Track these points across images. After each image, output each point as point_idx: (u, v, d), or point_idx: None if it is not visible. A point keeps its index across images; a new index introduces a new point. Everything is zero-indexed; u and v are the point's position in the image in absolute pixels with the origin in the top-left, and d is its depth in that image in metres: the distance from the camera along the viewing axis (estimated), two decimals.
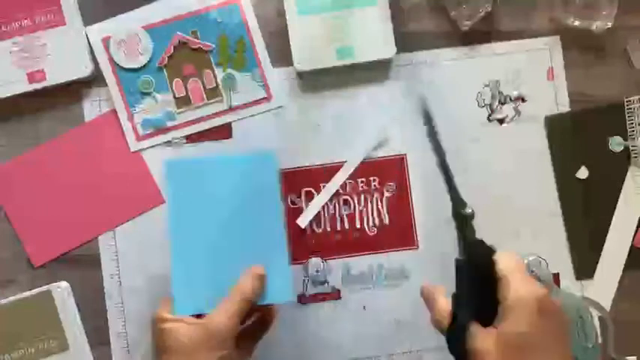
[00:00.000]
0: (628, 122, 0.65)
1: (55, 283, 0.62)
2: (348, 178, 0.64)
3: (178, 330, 0.50)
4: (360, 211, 0.64)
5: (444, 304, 0.47)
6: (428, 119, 0.52)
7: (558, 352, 0.43)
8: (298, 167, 0.64)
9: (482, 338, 0.44)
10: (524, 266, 0.46)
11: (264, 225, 0.55)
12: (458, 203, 0.48)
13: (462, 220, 0.48)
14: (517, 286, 0.44)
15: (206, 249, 0.54)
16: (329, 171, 0.64)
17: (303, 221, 0.63)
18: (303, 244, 0.64)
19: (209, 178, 0.55)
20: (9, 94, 0.62)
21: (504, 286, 0.44)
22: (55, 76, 0.62)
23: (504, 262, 0.45)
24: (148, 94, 0.64)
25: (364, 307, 0.64)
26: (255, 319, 0.57)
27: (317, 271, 0.64)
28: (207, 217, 0.55)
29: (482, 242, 0.47)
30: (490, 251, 0.46)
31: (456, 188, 0.49)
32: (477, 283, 0.45)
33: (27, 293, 0.62)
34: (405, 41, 0.65)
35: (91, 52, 0.63)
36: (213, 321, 0.50)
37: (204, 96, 0.64)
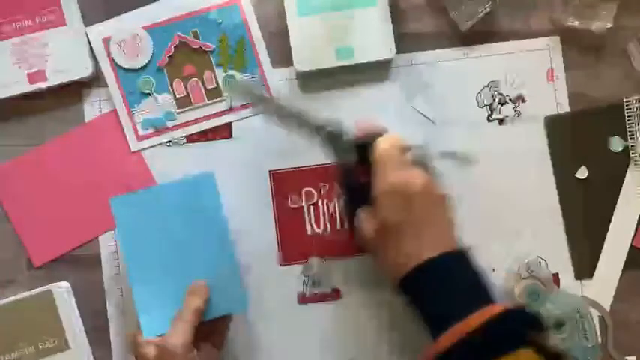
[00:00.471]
0: (628, 122, 0.65)
1: (55, 283, 0.62)
2: None
3: (148, 355, 0.53)
4: None
5: None
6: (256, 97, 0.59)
7: (435, 228, 0.51)
8: (298, 167, 0.65)
9: (365, 223, 0.53)
10: (400, 149, 0.52)
11: (212, 242, 0.58)
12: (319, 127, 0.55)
13: (332, 138, 0.55)
14: (382, 175, 0.51)
15: (162, 271, 0.57)
16: (329, 171, 0.64)
17: None
18: (303, 244, 0.64)
19: (154, 206, 0.58)
20: (9, 94, 0.62)
21: (374, 175, 0.51)
22: (55, 77, 0.62)
23: (379, 149, 0.52)
24: (149, 94, 0.64)
25: (364, 307, 0.64)
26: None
27: (317, 271, 0.64)
28: (159, 242, 0.58)
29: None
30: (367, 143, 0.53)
31: (308, 121, 0.55)
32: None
33: (27, 293, 0.62)
34: (405, 42, 0.65)
35: (92, 52, 0.63)
36: (169, 342, 0.53)
37: (205, 96, 0.64)
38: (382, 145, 0.53)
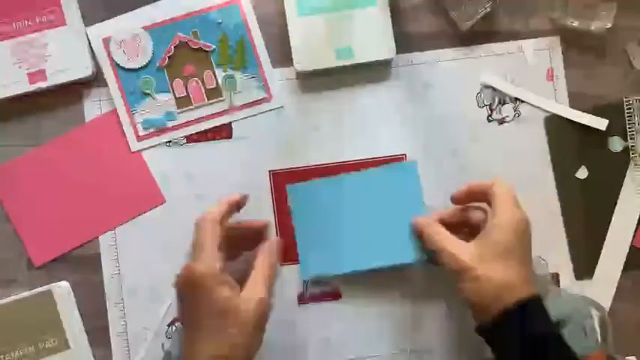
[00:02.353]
0: (628, 122, 0.65)
1: (55, 283, 0.62)
2: None
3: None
4: None
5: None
6: None
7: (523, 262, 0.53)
8: (298, 167, 0.64)
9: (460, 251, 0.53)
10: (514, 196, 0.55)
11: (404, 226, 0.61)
12: None
13: None
14: (506, 207, 0.54)
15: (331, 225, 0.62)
16: (329, 171, 0.64)
17: None
18: None
19: (334, 193, 0.62)
20: (9, 94, 0.62)
21: (496, 206, 0.54)
22: (55, 77, 0.62)
23: (499, 187, 0.55)
24: (149, 94, 0.64)
25: (364, 307, 0.64)
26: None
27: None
28: (334, 227, 0.62)
29: None
30: None
31: None
32: None
33: (27, 293, 0.62)
34: (405, 42, 0.65)
35: (92, 52, 0.63)
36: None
37: (205, 96, 0.64)
38: (501, 184, 0.56)
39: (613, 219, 0.65)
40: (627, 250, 0.65)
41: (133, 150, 0.64)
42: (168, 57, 0.64)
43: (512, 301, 0.50)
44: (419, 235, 0.58)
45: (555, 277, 0.65)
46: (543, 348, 0.50)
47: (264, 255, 0.56)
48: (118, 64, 0.63)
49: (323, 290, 0.64)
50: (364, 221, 0.62)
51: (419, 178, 0.61)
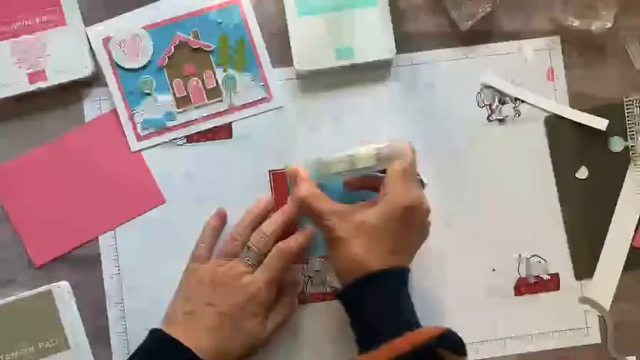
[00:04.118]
0: (628, 122, 0.65)
1: (55, 283, 0.62)
2: None
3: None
4: None
5: (308, 186, 0.57)
6: None
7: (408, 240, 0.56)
8: None
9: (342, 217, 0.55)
10: (413, 170, 0.56)
11: None
12: None
13: None
14: (399, 185, 0.54)
15: None
16: None
17: None
18: None
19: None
20: (9, 94, 0.62)
21: (389, 183, 0.54)
22: (55, 77, 0.62)
23: (400, 164, 0.55)
24: (149, 94, 0.64)
25: None
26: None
27: (317, 271, 0.64)
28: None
29: None
30: None
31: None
32: None
33: (27, 293, 0.62)
34: (405, 42, 0.65)
35: (92, 52, 0.63)
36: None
37: (205, 96, 0.64)
38: (403, 161, 0.56)
39: (613, 219, 0.65)
40: (627, 250, 0.65)
41: (133, 150, 0.64)
42: (168, 57, 0.64)
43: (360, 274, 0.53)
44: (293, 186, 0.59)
45: (555, 277, 0.65)
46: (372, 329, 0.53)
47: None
48: (118, 64, 0.63)
49: (323, 290, 0.64)
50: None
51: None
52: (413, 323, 0.53)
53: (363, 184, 0.60)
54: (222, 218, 0.63)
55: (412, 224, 0.55)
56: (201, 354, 0.54)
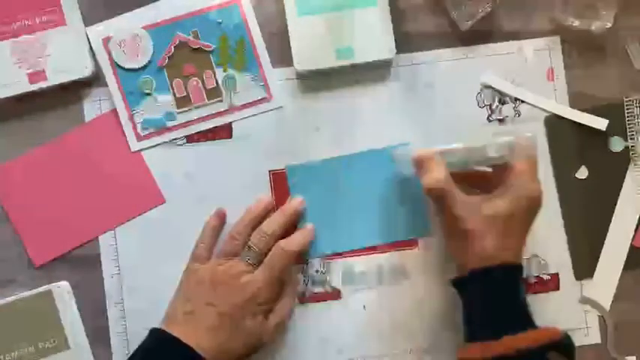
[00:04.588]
0: (628, 122, 0.65)
1: (55, 283, 0.62)
2: None
3: None
4: None
5: (443, 171, 0.55)
6: None
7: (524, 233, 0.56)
8: None
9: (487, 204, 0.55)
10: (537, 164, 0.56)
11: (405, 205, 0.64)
12: None
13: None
14: (529, 178, 0.55)
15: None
16: None
17: None
18: None
19: (333, 174, 0.64)
20: (9, 94, 0.62)
21: (516, 174, 0.54)
22: (55, 77, 0.62)
23: (525, 156, 0.55)
24: (149, 94, 0.64)
25: (364, 307, 0.64)
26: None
27: (317, 271, 0.64)
28: (334, 207, 0.64)
29: None
30: None
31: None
32: None
33: (27, 293, 0.62)
34: (405, 42, 0.65)
35: (92, 52, 0.63)
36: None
37: (205, 96, 0.64)
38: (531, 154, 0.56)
39: (613, 219, 0.65)
40: (627, 250, 0.65)
41: (133, 150, 0.64)
42: (168, 57, 0.64)
43: (489, 264, 0.54)
44: (418, 171, 0.56)
45: (555, 277, 0.65)
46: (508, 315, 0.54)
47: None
48: (118, 64, 0.63)
49: (323, 290, 0.64)
50: (363, 201, 0.63)
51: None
52: (533, 322, 0.54)
53: (466, 178, 0.59)
54: (221, 218, 0.63)
55: (534, 216, 0.56)
56: (202, 353, 0.54)
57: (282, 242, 0.59)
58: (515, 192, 0.54)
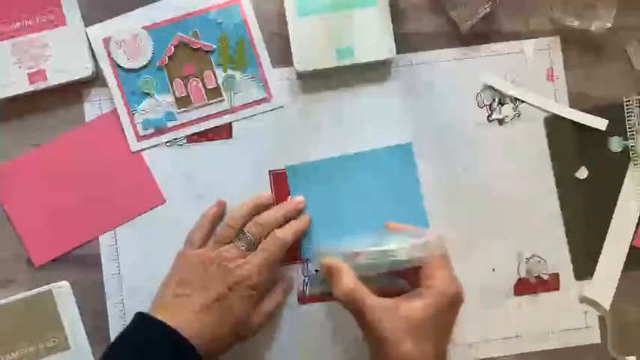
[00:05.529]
0: (628, 122, 0.65)
1: (55, 283, 0.62)
2: None
3: None
4: None
5: (352, 278, 0.53)
6: None
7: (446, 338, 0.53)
8: None
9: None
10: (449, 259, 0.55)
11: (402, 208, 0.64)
12: None
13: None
14: (444, 278, 0.53)
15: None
16: None
17: None
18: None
19: (332, 173, 0.64)
20: (9, 94, 0.62)
21: (432, 274, 0.53)
22: (55, 77, 0.62)
23: (435, 247, 0.54)
24: (149, 94, 0.64)
25: None
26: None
27: (317, 271, 0.64)
28: (334, 207, 0.64)
29: None
30: None
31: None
32: None
33: (27, 293, 0.62)
34: (405, 42, 0.65)
35: (92, 52, 0.63)
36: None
37: (205, 96, 0.64)
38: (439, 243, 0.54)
39: (613, 219, 0.65)
40: (627, 250, 0.65)
41: (133, 150, 0.64)
42: (168, 57, 0.64)
43: None
44: (328, 279, 0.55)
45: (555, 277, 0.65)
46: None
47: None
48: (118, 64, 0.63)
49: (323, 290, 0.64)
50: (363, 201, 0.63)
51: (414, 157, 0.64)
52: None
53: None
54: (221, 208, 0.63)
55: (455, 315, 0.54)
56: (188, 338, 0.53)
57: (278, 230, 0.60)
58: (435, 292, 0.52)
